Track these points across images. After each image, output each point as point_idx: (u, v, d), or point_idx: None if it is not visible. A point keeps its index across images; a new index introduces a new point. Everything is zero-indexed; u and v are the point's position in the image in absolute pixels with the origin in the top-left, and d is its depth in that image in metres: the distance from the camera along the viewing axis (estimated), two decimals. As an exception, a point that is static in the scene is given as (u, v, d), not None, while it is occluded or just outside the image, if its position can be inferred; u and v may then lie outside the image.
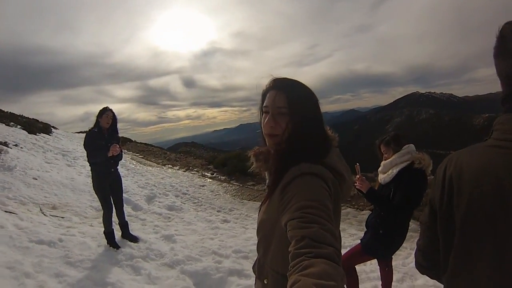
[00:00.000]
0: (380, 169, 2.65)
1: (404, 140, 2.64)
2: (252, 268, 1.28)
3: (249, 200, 6.94)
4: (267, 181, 1.20)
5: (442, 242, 0.99)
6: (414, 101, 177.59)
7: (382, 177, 2.59)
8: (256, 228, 1.18)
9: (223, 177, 8.94)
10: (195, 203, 6.63)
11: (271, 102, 1.09)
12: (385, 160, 2.63)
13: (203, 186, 8.03)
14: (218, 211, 6.16)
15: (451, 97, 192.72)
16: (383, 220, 2.56)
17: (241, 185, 8.15)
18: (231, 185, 8.16)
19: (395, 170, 2.51)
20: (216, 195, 7.32)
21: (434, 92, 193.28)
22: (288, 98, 1.08)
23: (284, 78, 1.14)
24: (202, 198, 6.95)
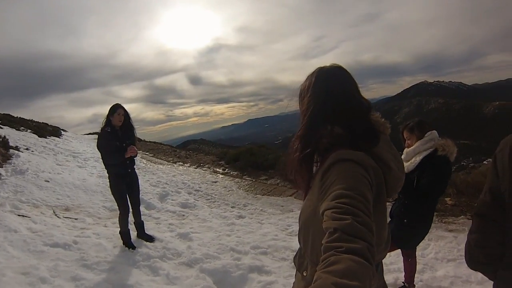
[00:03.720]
0: (403, 157, 2.55)
1: (427, 126, 2.56)
2: (293, 259, 1.24)
3: (263, 195, 6.82)
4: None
5: None
6: (422, 90, 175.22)
7: (406, 165, 2.47)
8: (299, 216, 1.12)
9: (235, 173, 8.85)
10: (208, 199, 6.52)
11: None
12: (408, 146, 2.57)
13: (215, 182, 7.92)
14: (232, 207, 6.04)
15: (460, 85, 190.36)
16: (407, 209, 2.49)
17: (254, 180, 8.04)
18: (243, 180, 8.04)
19: (418, 158, 2.44)
20: (229, 190, 7.20)
21: (443, 81, 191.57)
22: (302, 85, 1.15)
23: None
24: (215, 195, 6.84)
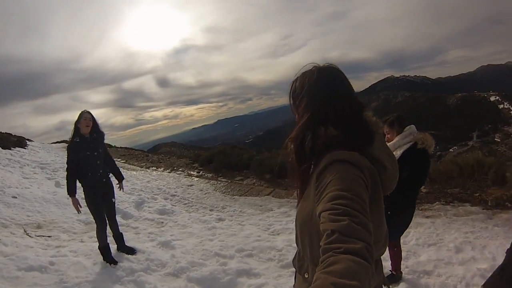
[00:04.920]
0: None
1: (406, 121, 2.69)
2: (292, 261, 1.25)
3: (240, 196, 6.85)
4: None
5: None
6: (389, 85, 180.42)
7: None
8: (295, 218, 1.13)
9: (210, 175, 8.79)
10: (186, 204, 6.44)
11: None
12: (388, 141, 2.66)
13: (191, 185, 7.82)
14: (210, 210, 6.01)
15: (424, 79, 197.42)
16: (390, 202, 2.56)
17: (229, 180, 8.04)
18: (219, 182, 8.01)
19: (399, 152, 2.55)
20: (206, 193, 7.15)
21: (409, 76, 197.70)
22: (298, 83, 1.14)
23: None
24: (192, 198, 6.76)
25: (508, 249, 1.21)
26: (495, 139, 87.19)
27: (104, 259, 3.54)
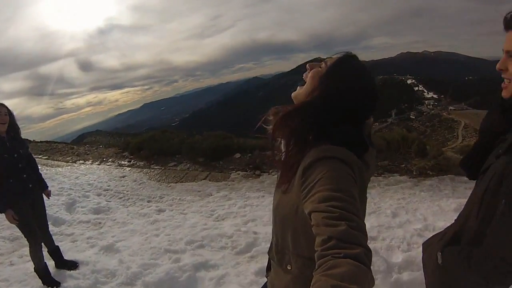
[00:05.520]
0: None
1: None
2: (268, 253, 1.22)
3: (176, 183, 6.65)
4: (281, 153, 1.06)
5: None
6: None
7: None
8: (272, 209, 1.10)
9: (142, 163, 8.36)
10: (121, 198, 5.99)
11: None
12: None
13: (123, 177, 7.31)
14: (148, 202, 5.71)
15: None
16: None
17: (163, 167, 7.75)
18: (152, 170, 7.67)
19: None
20: (141, 184, 6.74)
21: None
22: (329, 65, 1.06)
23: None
24: (127, 191, 6.32)
25: (460, 212, 1.35)
26: (411, 116, 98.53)
27: (43, 283, 3.03)
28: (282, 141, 1.06)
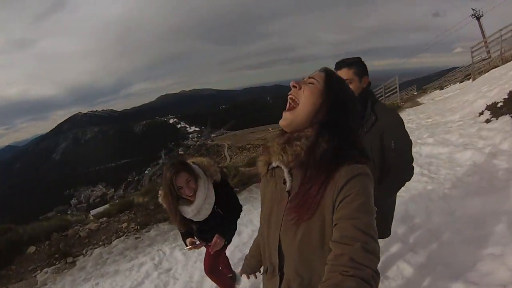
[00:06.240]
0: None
1: None
2: None
3: None
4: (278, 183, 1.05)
5: None
6: (77, 122, 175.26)
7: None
8: (295, 249, 0.97)
9: None
10: None
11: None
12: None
13: None
14: None
15: (112, 112, 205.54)
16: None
17: None
18: None
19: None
20: None
21: (96, 110, 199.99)
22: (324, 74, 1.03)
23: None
24: None
25: None
26: (180, 152, 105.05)
27: None
28: (285, 172, 1.00)
